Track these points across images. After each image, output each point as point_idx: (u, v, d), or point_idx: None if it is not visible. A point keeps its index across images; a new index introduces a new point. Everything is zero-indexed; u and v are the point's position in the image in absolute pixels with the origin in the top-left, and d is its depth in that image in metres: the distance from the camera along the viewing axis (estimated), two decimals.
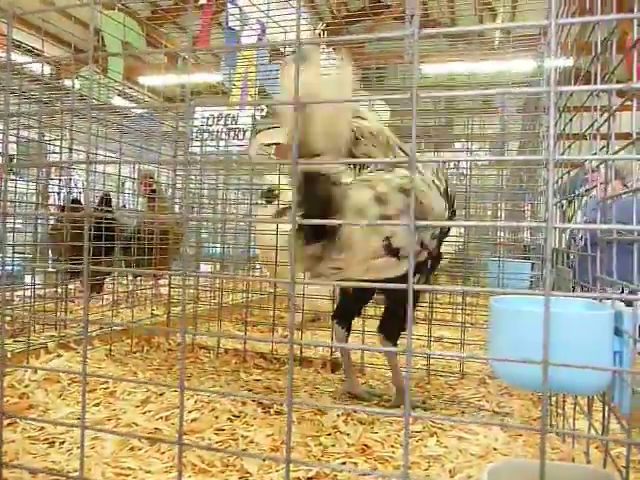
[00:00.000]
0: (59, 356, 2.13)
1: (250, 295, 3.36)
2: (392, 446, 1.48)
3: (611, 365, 0.91)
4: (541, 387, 0.67)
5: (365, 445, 1.47)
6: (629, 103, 1.00)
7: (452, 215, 1.87)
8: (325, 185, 1.58)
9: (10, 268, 3.12)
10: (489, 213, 5.13)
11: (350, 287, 1.92)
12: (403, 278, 1.72)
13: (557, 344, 0.88)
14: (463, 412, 1.80)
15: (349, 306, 1.99)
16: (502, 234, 4.79)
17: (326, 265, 1.67)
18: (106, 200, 3.48)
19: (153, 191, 3.73)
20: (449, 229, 1.91)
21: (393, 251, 1.66)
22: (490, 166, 4.59)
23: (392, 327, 1.86)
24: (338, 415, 1.69)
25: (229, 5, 3.49)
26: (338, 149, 1.58)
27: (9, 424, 1.55)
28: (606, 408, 1.03)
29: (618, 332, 0.92)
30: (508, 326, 0.89)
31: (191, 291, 2.92)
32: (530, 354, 0.68)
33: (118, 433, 1.47)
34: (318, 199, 1.57)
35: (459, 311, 2.73)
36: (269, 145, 1.60)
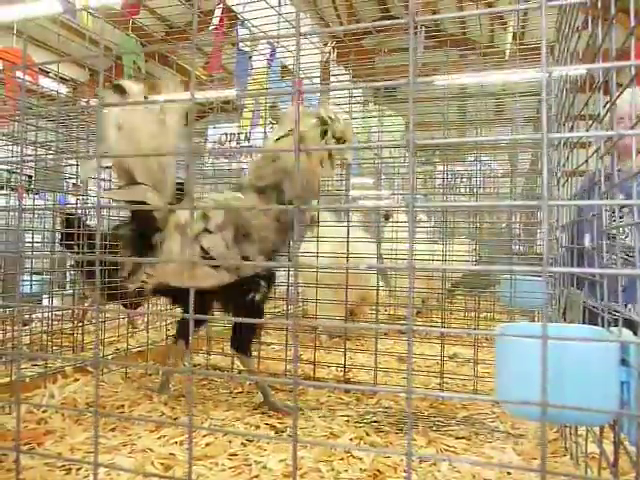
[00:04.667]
0: (76, 380, 2.16)
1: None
2: (405, 471, 1.47)
3: (618, 396, 0.91)
4: (546, 419, 0.67)
5: (378, 470, 1.46)
6: None
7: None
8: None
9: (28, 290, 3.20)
10: (504, 225, 5.10)
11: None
12: (231, 289, 1.89)
13: (563, 375, 0.89)
14: (477, 434, 1.79)
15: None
16: (518, 247, 4.75)
17: (142, 272, 1.92)
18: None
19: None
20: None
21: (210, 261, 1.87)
22: (503, 176, 4.57)
23: (241, 340, 2.04)
24: (351, 439, 1.70)
25: (239, 27, 3.54)
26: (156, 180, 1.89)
27: (29, 449, 1.59)
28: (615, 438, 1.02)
29: (625, 362, 0.92)
30: (511, 358, 0.90)
31: None
32: (534, 388, 0.69)
33: (132, 471, 1.48)
34: (141, 219, 1.92)
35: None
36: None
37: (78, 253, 2.79)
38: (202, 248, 1.86)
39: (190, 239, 1.87)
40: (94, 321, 2.76)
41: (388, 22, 0.80)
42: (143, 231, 1.91)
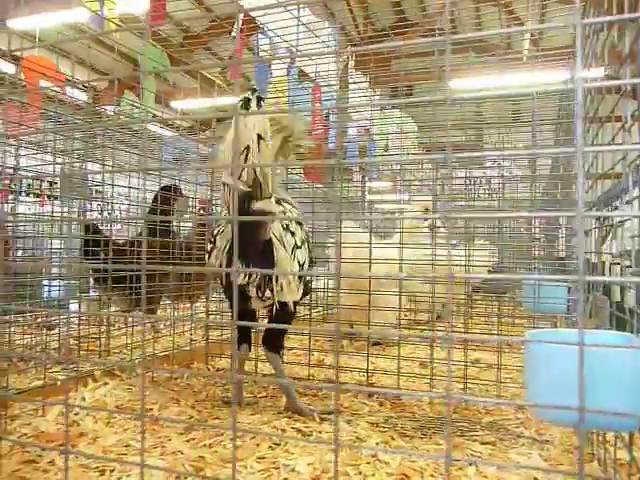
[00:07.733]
0: (105, 384, 2.21)
1: None
2: (432, 475, 1.48)
3: None
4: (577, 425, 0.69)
5: (405, 474, 1.48)
6: None
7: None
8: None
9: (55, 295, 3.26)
10: (522, 229, 5.08)
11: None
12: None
13: (593, 381, 0.90)
14: (501, 439, 1.79)
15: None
16: (537, 252, 4.72)
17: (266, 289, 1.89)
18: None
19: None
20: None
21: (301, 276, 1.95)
22: (522, 180, 4.55)
23: (275, 340, 2.07)
24: (377, 443, 1.71)
25: (260, 35, 3.59)
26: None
27: (62, 452, 1.63)
28: None
29: None
30: (544, 365, 0.91)
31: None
32: (566, 394, 0.70)
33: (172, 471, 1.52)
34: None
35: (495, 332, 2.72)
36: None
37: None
38: (299, 263, 1.94)
39: (289, 254, 1.92)
40: (120, 326, 2.81)
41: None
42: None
